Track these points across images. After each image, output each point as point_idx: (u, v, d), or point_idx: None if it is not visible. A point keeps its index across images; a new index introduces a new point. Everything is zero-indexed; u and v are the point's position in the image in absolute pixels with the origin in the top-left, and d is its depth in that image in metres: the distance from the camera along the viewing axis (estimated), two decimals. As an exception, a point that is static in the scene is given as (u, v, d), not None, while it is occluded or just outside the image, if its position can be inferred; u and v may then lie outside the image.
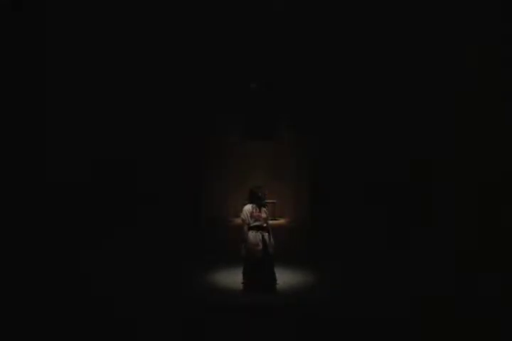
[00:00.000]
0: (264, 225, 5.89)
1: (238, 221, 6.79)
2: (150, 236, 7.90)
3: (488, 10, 5.59)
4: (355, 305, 5.08)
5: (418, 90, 6.73)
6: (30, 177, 6.09)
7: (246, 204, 6.01)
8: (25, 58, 6.20)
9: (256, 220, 5.83)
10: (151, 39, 7.41)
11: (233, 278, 6.36)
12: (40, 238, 6.03)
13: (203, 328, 4.44)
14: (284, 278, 6.32)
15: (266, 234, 5.84)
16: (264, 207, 6.01)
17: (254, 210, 5.86)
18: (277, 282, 5.94)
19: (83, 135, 7.22)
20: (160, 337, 4.26)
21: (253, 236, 5.77)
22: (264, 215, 5.90)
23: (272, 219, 13.81)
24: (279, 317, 4.78)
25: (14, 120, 6.09)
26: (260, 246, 5.73)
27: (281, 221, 13.64)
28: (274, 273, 5.86)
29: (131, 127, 8.05)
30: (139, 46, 7.48)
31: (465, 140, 5.63)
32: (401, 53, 6.85)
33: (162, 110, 9.05)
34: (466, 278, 5.28)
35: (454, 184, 5.79)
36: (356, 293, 5.57)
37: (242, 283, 5.88)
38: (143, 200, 8.26)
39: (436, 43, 6.19)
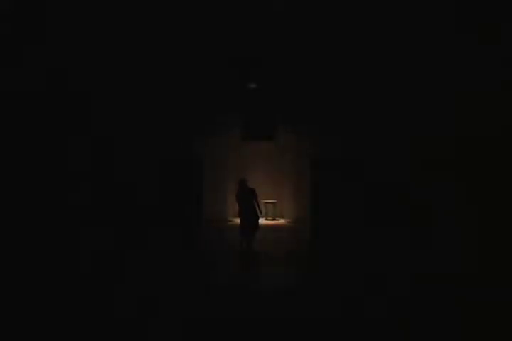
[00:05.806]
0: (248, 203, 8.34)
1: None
2: (149, 235, 7.92)
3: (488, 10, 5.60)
4: (354, 305, 5.09)
5: (418, 90, 6.74)
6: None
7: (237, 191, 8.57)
8: (25, 58, 6.20)
9: (244, 200, 8.36)
10: (150, 39, 7.42)
11: (233, 277, 6.38)
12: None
13: (203, 328, 4.45)
14: (285, 277, 6.34)
15: (252, 210, 8.30)
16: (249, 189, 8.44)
17: (241, 192, 8.40)
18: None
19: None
20: (160, 337, 4.27)
21: (242, 211, 8.38)
22: (248, 196, 8.33)
23: (271, 219, 13.85)
24: (279, 317, 4.79)
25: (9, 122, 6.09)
26: (247, 218, 8.34)
27: (282, 221, 13.66)
28: (250, 234, 8.37)
29: (130, 127, 8.06)
30: (138, 46, 7.50)
31: (465, 140, 5.64)
32: (401, 56, 6.87)
33: (162, 111, 9.08)
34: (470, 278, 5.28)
35: (454, 184, 5.80)
36: (355, 293, 5.58)
37: (239, 238, 8.56)
38: (142, 200, 8.27)
39: (435, 42, 6.20)
